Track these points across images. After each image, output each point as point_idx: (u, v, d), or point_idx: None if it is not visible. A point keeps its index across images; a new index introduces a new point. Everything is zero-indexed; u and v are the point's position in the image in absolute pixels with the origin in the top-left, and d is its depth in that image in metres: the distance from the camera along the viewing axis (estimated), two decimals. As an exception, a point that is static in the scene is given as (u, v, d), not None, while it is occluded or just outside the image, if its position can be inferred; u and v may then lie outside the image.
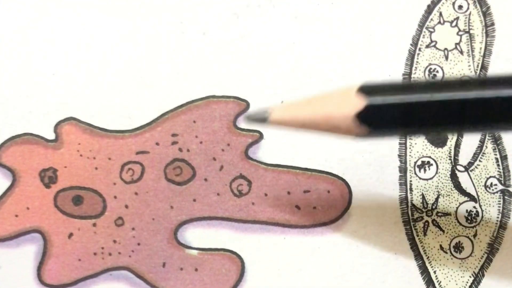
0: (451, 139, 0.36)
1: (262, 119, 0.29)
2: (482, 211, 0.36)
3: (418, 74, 0.36)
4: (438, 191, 0.36)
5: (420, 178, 0.36)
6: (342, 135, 0.29)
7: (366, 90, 0.28)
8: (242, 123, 0.35)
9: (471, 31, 0.36)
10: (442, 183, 0.36)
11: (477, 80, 0.30)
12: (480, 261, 0.36)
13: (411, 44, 0.36)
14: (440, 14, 0.36)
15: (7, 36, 0.34)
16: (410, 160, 0.36)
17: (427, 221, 0.36)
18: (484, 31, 0.36)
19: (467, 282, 0.36)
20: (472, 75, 0.36)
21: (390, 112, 0.28)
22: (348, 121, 0.28)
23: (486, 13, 0.36)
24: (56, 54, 0.34)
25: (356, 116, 0.28)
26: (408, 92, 0.28)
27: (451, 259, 0.36)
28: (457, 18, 0.36)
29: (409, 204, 0.36)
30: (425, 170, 0.36)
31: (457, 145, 0.36)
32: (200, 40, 0.35)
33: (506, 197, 0.36)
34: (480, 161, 0.36)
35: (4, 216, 0.34)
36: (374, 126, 0.28)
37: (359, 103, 0.28)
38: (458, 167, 0.36)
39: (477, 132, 0.34)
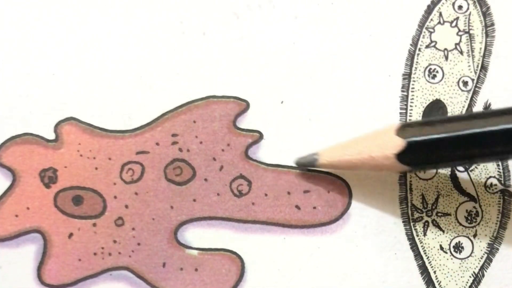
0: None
1: (311, 163, 0.34)
2: (482, 211, 0.36)
3: (418, 75, 0.36)
4: (438, 191, 0.36)
5: (420, 178, 0.36)
6: (387, 172, 0.34)
7: (404, 129, 0.32)
8: (242, 123, 0.35)
9: (471, 31, 0.36)
10: (442, 183, 0.36)
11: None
12: (480, 261, 0.36)
13: (411, 44, 0.36)
14: (440, 14, 0.36)
15: (7, 36, 0.34)
16: (410, 160, 0.36)
17: (427, 221, 0.36)
18: (484, 31, 0.36)
19: (467, 282, 0.36)
20: (473, 75, 0.36)
21: (426, 150, 0.32)
22: (390, 161, 0.32)
23: (486, 13, 0.36)
24: (56, 54, 0.34)
25: (396, 156, 0.32)
26: (441, 129, 0.32)
27: (451, 259, 0.36)
28: (457, 18, 0.36)
29: (409, 204, 0.36)
30: (424, 170, 0.36)
31: (457, 145, 0.36)
32: (200, 40, 0.35)
33: (506, 197, 0.36)
34: (480, 161, 0.36)
35: (4, 216, 0.34)
36: (414, 164, 0.32)
37: (399, 143, 0.32)
38: (458, 167, 0.36)
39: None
